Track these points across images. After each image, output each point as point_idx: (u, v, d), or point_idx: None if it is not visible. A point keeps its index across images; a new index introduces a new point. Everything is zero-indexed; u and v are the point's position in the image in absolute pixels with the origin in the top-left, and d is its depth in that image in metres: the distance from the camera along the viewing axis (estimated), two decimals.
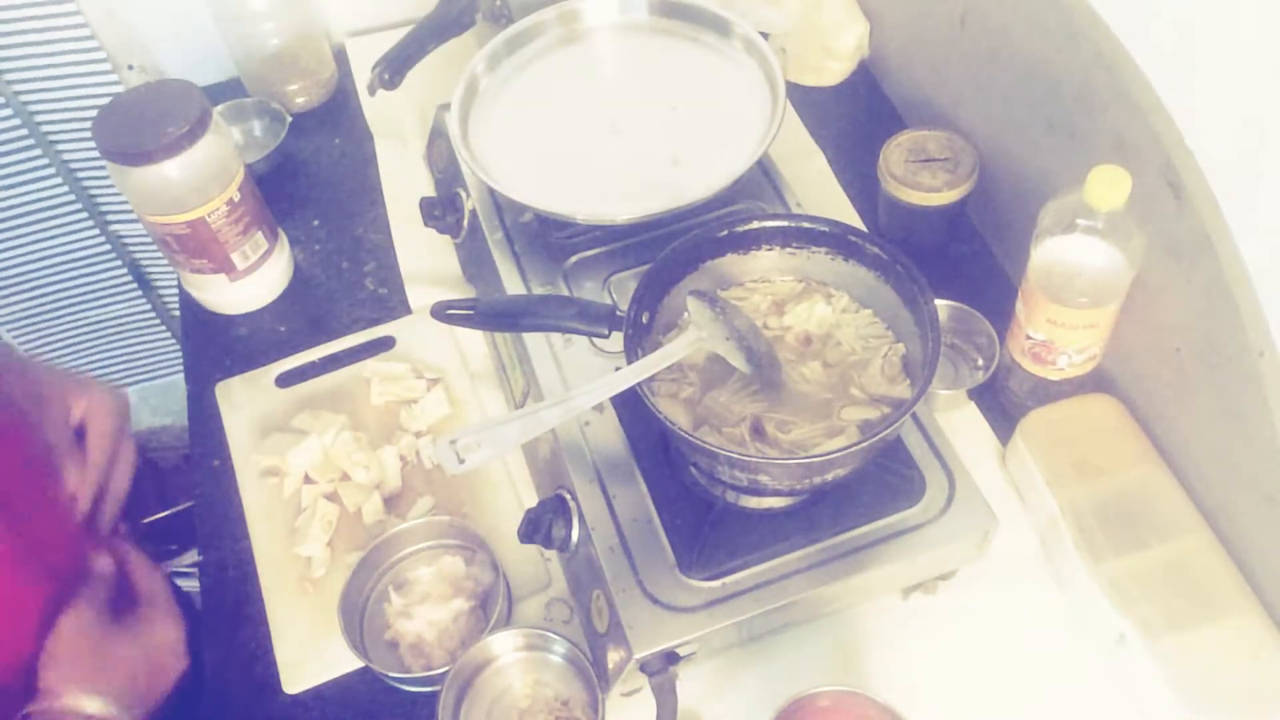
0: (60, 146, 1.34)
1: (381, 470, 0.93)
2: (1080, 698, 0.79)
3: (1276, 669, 0.74)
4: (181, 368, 1.65)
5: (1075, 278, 0.80)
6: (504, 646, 0.80)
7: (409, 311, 1.07)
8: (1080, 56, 0.83)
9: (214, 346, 1.07)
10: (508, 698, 0.80)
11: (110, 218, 1.44)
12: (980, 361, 0.96)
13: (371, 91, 1.04)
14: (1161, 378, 0.84)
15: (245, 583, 0.89)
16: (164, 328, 1.61)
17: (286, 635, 0.86)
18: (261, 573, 0.89)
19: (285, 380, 1.02)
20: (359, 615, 0.84)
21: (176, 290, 1.53)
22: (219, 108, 1.10)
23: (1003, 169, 1.00)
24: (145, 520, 1.44)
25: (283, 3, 1.21)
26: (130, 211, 1.41)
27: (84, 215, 1.42)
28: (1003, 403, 0.95)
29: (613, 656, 0.76)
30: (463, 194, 1.01)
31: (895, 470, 0.80)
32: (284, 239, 1.11)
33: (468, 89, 0.99)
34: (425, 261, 1.11)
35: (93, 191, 1.40)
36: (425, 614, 0.82)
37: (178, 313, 1.58)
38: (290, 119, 1.21)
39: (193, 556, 1.46)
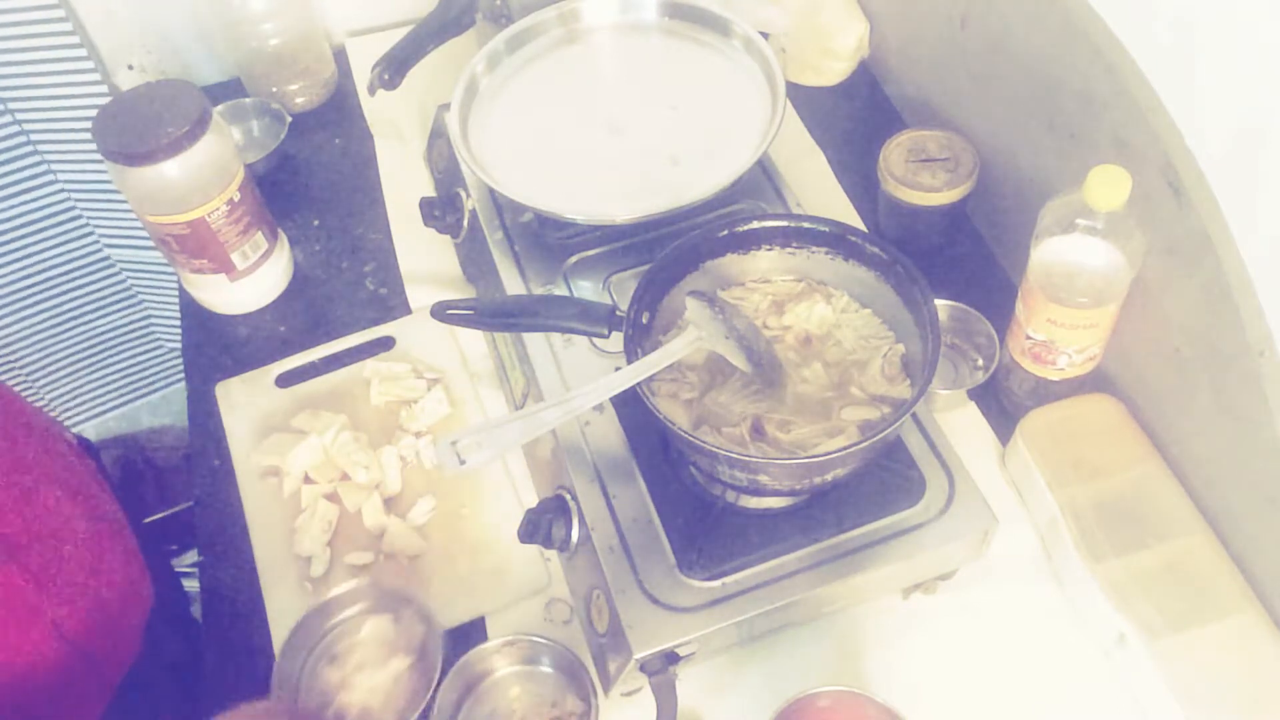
0: (51, 156, 1.34)
1: (381, 470, 0.93)
2: (1080, 698, 0.79)
3: (1276, 669, 0.74)
4: (176, 380, 1.67)
5: (1075, 278, 0.80)
6: (494, 662, 0.80)
7: (409, 311, 1.07)
8: (1080, 56, 0.83)
9: (214, 346, 1.07)
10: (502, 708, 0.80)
11: (101, 230, 1.44)
12: (980, 361, 0.96)
13: (371, 91, 1.04)
14: (1161, 378, 0.84)
15: (245, 583, 0.89)
16: (157, 341, 1.61)
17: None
18: (261, 573, 0.89)
19: (285, 380, 1.02)
20: (294, 698, 0.80)
21: (163, 303, 1.55)
22: (219, 108, 1.10)
23: (1003, 169, 1.00)
24: (145, 520, 1.44)
25: (283, 3, 1.21)
26: (119, 223, 1.41)
27: (82, 225, 1.42)
28: (1003, 403, 0.95)
29: (613, 656, 0.76)
30: (463, 194, 1.01)
31: (895, 470, 0.80)
32: (284, 239, 1.11)
33: (468, 89, 0.99)
34: (425, 261, 1.11)
35: (81, 201, 1.40)
36: (365, 681, 0.79)
37: (167, 323, 1.58)
38: (290, 119, 1.21)
39: (193, 556, 1.46)
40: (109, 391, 1.63)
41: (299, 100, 1.28)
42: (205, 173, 0.96)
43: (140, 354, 1.61)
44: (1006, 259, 1.04)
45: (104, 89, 1.26)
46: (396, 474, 0.93)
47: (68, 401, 1.60)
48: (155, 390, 1.67)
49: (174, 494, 1.69)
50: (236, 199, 1.00)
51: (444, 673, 0.78)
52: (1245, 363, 0.72)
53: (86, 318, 1.52)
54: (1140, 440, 0.86)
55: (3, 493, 0.83)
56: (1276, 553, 0.75)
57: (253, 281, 1.07)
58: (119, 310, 1.54)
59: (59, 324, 1.50)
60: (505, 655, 0.81)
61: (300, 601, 0.87)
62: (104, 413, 1.65)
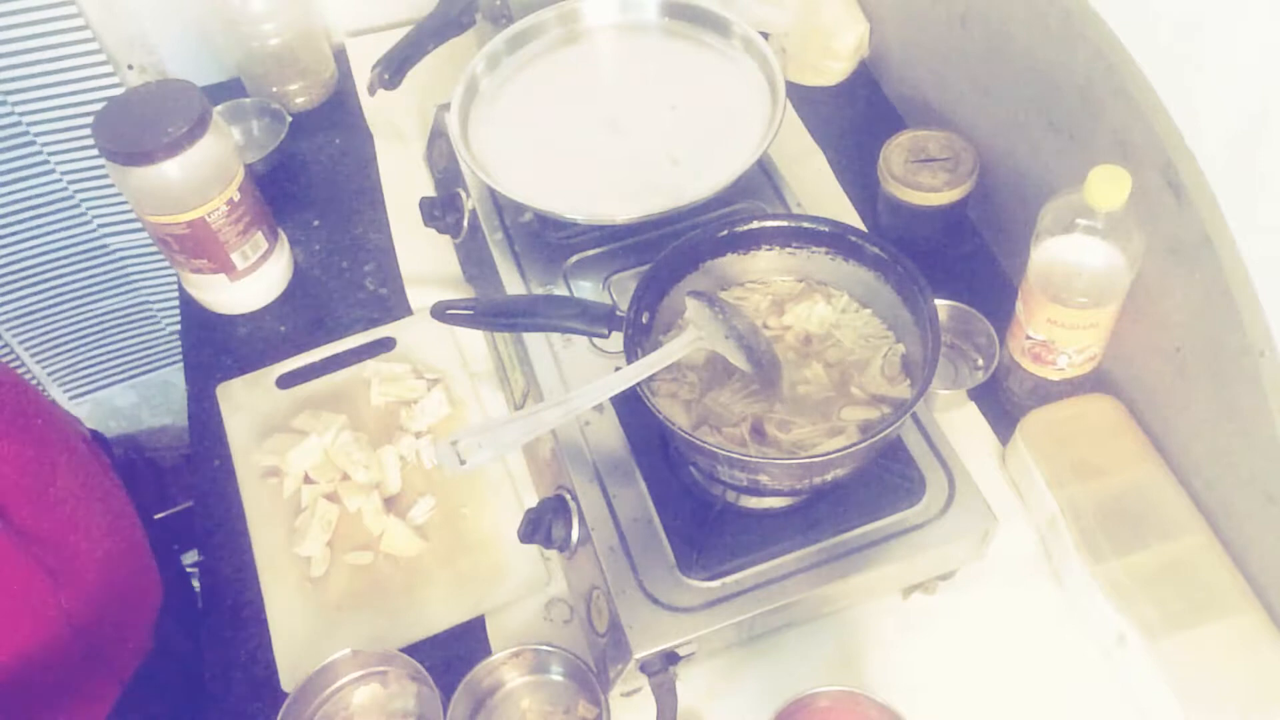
0: (52, 145, 1.34)
1: (381, 470, 0.93)
2: (1080, 698, 0.79)
3: (1276, 669, 0.74)
4: (172, 362, 1.67)
5: (1075, 278, 0.80)
6: (503, 674, 0.80)
7: (409, 312, 1.07)
8: (1080, 56, 0.83)
9: (214, 346, 1.07)
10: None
11: (99, 218, 1.45)
12: (980, 361, 0.96)
13: (371, 91, 1.04)
14: (1161, 378, 0.84)
15: (245, 583, 0.89)
16: (155, 322, 1.62)
17: (286, 635, 0.86)
18: (261, 573, 0.89)
19: (286, 381, 1.02)
20: None
21: (160, 287, 1.55)
22: (219, 108, 1.10)
23: (1003, 169, 1.00)
24: (156, 517, 1.44)
25: (283, 3, 1.21)
26: (115, 210, 1.41)
27: (79, 213, 1.42)
28: (1003, 403, 0.95)
29: (612, 656, 0.76)
30: (463, 194, 1.02)
31: (895, 470, 0.80)
32: (284, 239, 1.11)
33: (468, 89, 0.99)
34: (425, 261, 1.11)
35: (82, 191, 1.40)
36: None
37: (165, 309, 1.59)
38: (290, 119, 1.21)
39: (193, 556, 1.46)
40: (105, 371, 1.63)
41: (299, 100, 1.28)
42: (205, 173, 0.96)
43: (136, 335, 1.62)
44: (1006, 259, 1.04)
45: (105, 70, 1.26)
46: (396, 474, 0.93)
47: (63, 381, 1.60)
48: (152, 370, 1.67)
49: (174, 494, 1.69)
50: (236, 199, 1.00)
51: (449, 691, 0.76)
52: (1245, 363, 0.72)
53: (81, 301, 1.52)
54: (1140, 440, 0.86)
55: (19, 484, 0.84)
56: (1276, 553, 0.75)
57: (253, 281, 1.07)
58: (115, 295, 1.54)
59: (56, 306, 1.50)
60: (513, 666, 0.80)
61: (300, 602, 0.87)
62: (100, 389, 1.65)
